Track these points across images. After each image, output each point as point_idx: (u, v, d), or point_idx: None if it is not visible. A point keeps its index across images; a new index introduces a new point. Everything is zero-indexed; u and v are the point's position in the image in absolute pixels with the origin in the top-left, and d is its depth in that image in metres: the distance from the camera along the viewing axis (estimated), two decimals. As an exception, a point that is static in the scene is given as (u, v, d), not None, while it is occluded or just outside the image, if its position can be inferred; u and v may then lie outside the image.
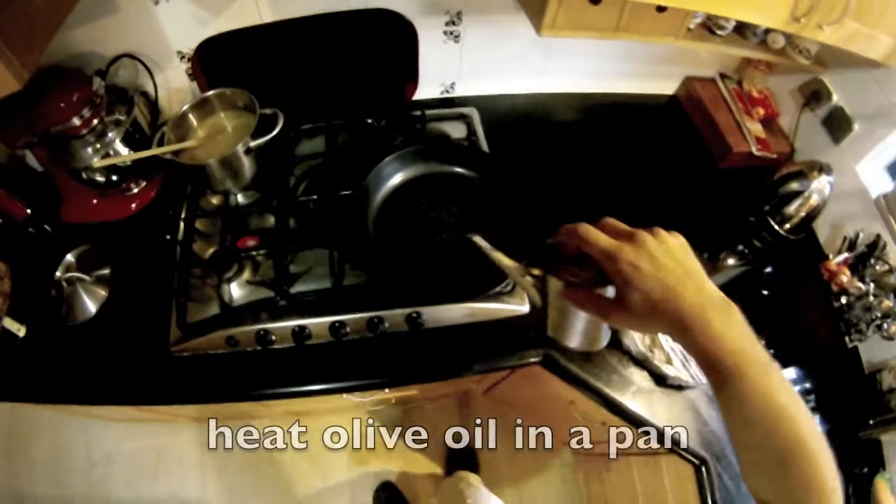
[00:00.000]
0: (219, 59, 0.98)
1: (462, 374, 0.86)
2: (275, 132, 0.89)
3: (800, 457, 0.42)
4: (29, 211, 1.02)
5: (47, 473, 1.60)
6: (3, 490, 1.57)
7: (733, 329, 0.43)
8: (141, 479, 1.59)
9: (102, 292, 0.96)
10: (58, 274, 0.97)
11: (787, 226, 1.03)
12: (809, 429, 0.43)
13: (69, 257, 0.98)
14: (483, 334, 0.87)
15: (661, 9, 0.89)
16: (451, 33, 1.05)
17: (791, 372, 0.99)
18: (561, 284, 0.49)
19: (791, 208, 1.01)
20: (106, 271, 0.98)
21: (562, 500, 1.60)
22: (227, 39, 0.94)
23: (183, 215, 0.96)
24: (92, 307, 0.95)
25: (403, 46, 1.03)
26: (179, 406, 0.91)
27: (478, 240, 0.59)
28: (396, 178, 0.93)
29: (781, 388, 0.43)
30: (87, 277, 0.95)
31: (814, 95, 1.11)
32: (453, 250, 0.87)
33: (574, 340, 0.52)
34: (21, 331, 0.92)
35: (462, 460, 1.60)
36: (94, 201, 1.01)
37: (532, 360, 0.87)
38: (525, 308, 0.88)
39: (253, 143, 0.87)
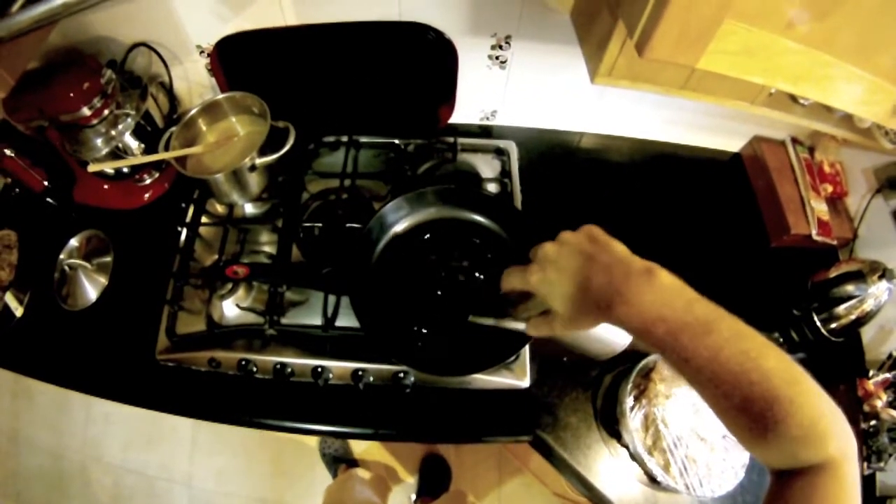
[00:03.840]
0: (239, 59, 0.91)
1: (447, 441, 0.82)
2: (284, 150, 0.82)
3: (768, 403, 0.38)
4: (47, 183, 1.01)
5: (47, 421, 1.65)
6: (4, 429, 1.64)
7: (656, 295, 0.42)
8: (134, 445, 1.63)
9: (103, 280, 0.95)
10: (61, 256, 0.96)
11: (833, 325, 0.94)
12: (778, 376, 0.39)
13: (73, 242, 0.97)
14: (474, 403, 0.81)
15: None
16: (498, 58, 0.95)
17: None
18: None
19: (840, 308, 0.91)
20: (108, 259, 0.97)
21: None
22: (248, 39, 0.87)
23: (187, 219, 0.92)
24: (92, 294, 0.94)
25: (441, 66, 0.93)
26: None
27: (481, 320, 0.60)
28: (403, 224, 0.85)
29: (733, 342, 0.40)
30: (88, 265, 0.94)
31: (890, 182, 0.98)
32: (457, 315, 0.80)
33: (592, 353, 0.54)
34: (19, 311, 0.92)
35: (434, 464, 1.58)
36: (106, 187, 0.98)
37: (523, 438, 0.81)
38: (524, 383, 0.82)
39: (259, 161, 0.81)
